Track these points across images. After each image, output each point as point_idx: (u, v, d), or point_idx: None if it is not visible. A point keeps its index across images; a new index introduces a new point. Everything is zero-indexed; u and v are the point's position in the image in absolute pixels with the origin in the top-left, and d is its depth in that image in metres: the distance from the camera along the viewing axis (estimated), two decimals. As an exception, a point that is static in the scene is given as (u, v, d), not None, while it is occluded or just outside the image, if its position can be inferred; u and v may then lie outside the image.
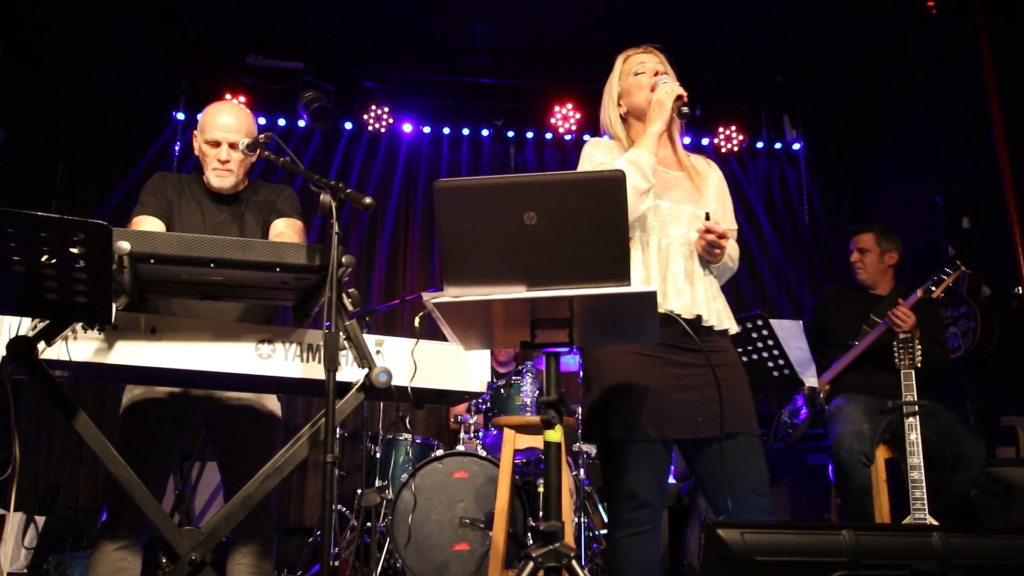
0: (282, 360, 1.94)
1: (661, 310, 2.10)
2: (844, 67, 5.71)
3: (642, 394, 2.10)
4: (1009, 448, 4.30)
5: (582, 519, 3.94)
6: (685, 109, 2.19)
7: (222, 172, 2.51)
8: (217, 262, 1.80)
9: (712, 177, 2.36)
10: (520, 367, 4.08)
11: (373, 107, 5.90)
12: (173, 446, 2.41)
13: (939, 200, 5.07)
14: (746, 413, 2.17)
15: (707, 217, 2.17)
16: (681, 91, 2.20)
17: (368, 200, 1.85)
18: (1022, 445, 4.25)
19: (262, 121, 5.87)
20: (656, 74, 2.28)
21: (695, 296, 2.19)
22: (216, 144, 2.49)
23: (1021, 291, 4.39)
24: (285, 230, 2.53)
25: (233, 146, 2.48)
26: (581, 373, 2.26)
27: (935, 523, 3.00)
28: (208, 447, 3.98)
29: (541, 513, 3.65)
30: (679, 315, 2.14)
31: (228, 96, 5.59)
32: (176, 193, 2.53)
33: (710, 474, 2.16)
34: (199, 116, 2.57)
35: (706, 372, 2.13)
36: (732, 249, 2.29)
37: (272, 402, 2.52)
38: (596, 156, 2.27)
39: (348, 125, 6.11)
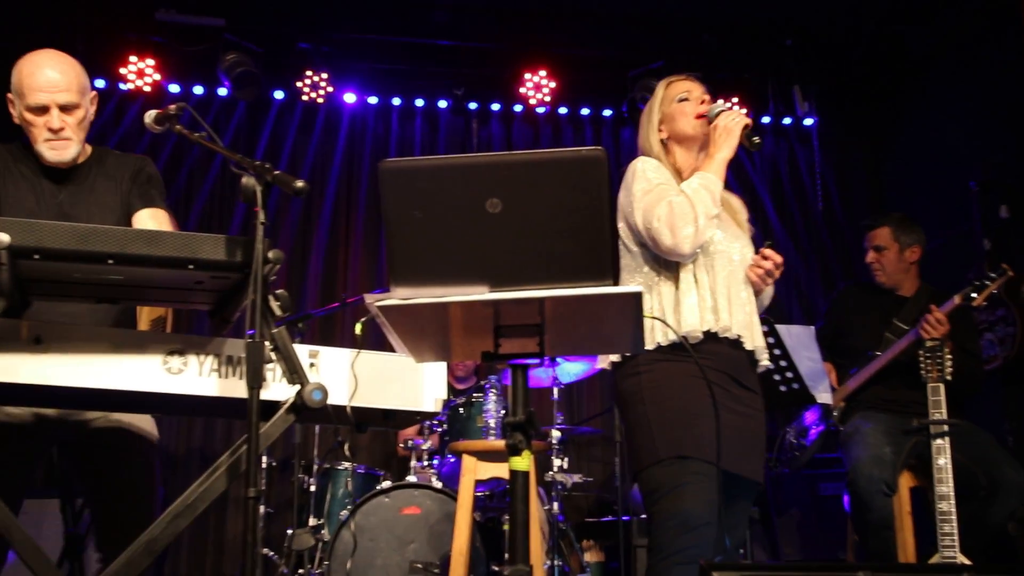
0: (195, 375, 1.92)
1: (729, 335, 2.46)
2: (864, 30, 5.79)
3: (709, 419, 2.33)
4: (1052, 474, 4.38)
5: (555, 562, 3.95)
6: (757, 139, 2.50)
7: (57, 143, 2.42)
8: (116, 258, 1.78)
9: (744, 215, 2.77)
10: (482, 382, 4.08)
11: (309, 73, 5.86)
12: (22, 480, 2.35)
13: (973, 185, 5.15)
14: (763, 462, 2.59)
15: (768, 246, 2.54)
16: (748, 120, 2.52)
17: (300, 184, 1.84)
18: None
19: (175, 89, 5.81)
20: (702, 102, 2.62)
21: (753, 329, 2.54)
22: (43, 110, 2.39)
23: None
24: (151, 223, 2.47)
25: (66, 108, 2.39)
26: (622, 389, 2.54)
27: (967, 563, 3.05)
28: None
29: (507, 555, 3.65)
30: (743, 344, 2.50)
31: (134, 59, 5.52)
32: None
33: (731, 517, 2.52)
34: (14, 74, 2.44)
35: (752, 412, 2.52)
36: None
37: (147, 423, 2.49)
38: (651, 174, 2.54)
39: (279, 94, 6.06)
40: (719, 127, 2.52)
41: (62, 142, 2.42)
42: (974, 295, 3.55)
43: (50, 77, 2.37)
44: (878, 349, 3.73)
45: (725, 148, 2.50)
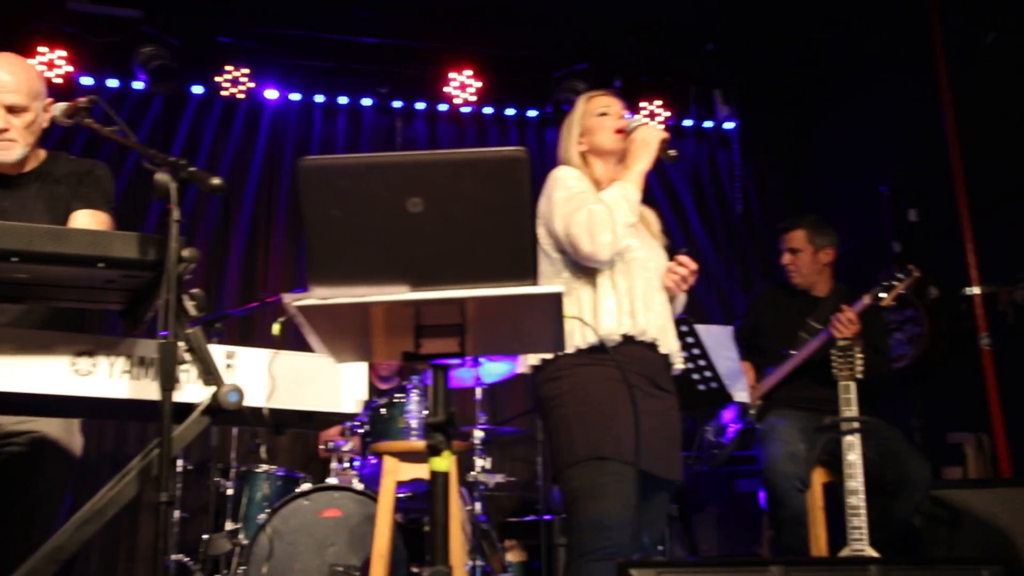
0: (105, 377, 1.88)
1: (645, 338, 2.55)
2: (784, 36, 5.93)
3: (627, 420, 2.41)
4: (956, 468, 4.56)
5: (477, 562, 3.95)
6: (673, 152, 2.62)
7: (1, 143, 2.39)
8: (22, 255, 1.73)
9: (658, 226, 2.88)
10: (404, 382, 4.06)
11: (229, 68, 5.75)
12: None
13: (884, 189, 5.33)
14: (680, 461, 2.69)
15: (683, 252, 2.67)
16: (665, 134, 2.64)
17: (216, 181, 1.81)
18: (970, 465, 4.52)
19: (88, 82, 5.65)
20: (621, 117, 2.73)
21: (668, 333, 2.63)
22: None
23: (971, 292, 4.66)
24: (83, 223, 2.44)
25: (13, 110, 2.38)
26: (542, 393, 2.59)
27: (875, 555, 3.15)
28: None
29: (428, 556, 3.64)
30: (659, 348, 2.58)
31: (44, 50, 5.33)
32: None
33: (650, 514, 2.60)
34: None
35: (669, 413, 2.61)
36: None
37: (67, 435, 2.43)
38: (571, 182, 2.62)
39: (197, 89, 5.93)
40: (637, 140, 2.62)
41: (5, 143, 2.39)
42: (883, 295, 3.66)
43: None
44: (793, 348, 3.83)
45: (643, 160, 2.60)
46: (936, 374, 5.05)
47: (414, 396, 3.94)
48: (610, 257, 2.51)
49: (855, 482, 3.26)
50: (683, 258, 2.65)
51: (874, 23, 5.58)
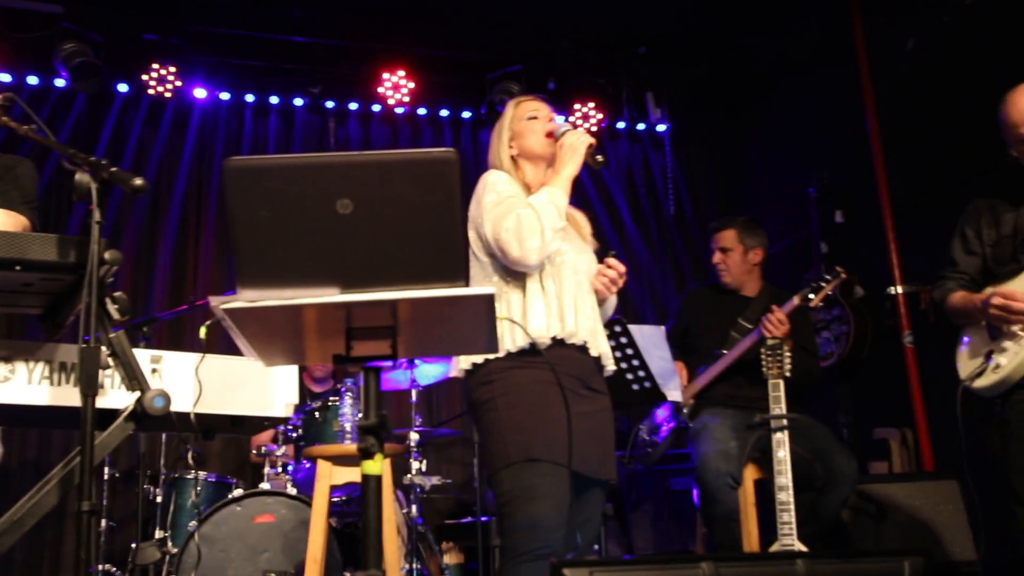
0: (24, 384, 1.85)
1: (575, 340, 2.56)
2: (715, 40, 6.04)
3: (560, 422, 2.42)
4: (882, 463, 4.69)
5: (414, 565, 3.93)
6: (600, 158, 2.65)
7: None
8: (-66, 258, 1.68)
9: (588, 229, 2.92)
10: (338, 385, 4.03)
11: (155, 66, 5.62)
12: None
13: (811, 191, 5.45)
14: (614, 461, 2.72)
15: (612, 255, 2.71)
16: (592, 139, 2.66)
17: (138, 182, 1.78)
18: (894, 460, 4.66)
19: (6, 79, 5.48)
20: (550, 121, 2.77)
21: (598, 336, 2.65)
22: None
23: (894, 291, 4.80)
24: (1, 225, 2.37)
25: None
26: (474, 397, 2.58)
27: (804, 549, 3.22)
28: None
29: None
30: (589, 350, 2.60)
31: (-41, 45, 5.17)
32: None
33: (584, 513, 2.63)
34: None
35: (601, 414, 2.63)
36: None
37: None
38: (501, 186, 2.63)
39: (122, 87, 5.78)
40: (565, 145, 2.64)
41: None
42: (811, 296, 3.74)
43: None
44: (724, 348, 3.89)
45: (570, 165, 2.62)
46: (862, 371, 5.19)
47: (348, 399, 3.90)
48: (538, 262, 2.53)
49: (784, 478, 3.33)
50: (612, 261, 2.69)
51: (800, 28, 5.71)
